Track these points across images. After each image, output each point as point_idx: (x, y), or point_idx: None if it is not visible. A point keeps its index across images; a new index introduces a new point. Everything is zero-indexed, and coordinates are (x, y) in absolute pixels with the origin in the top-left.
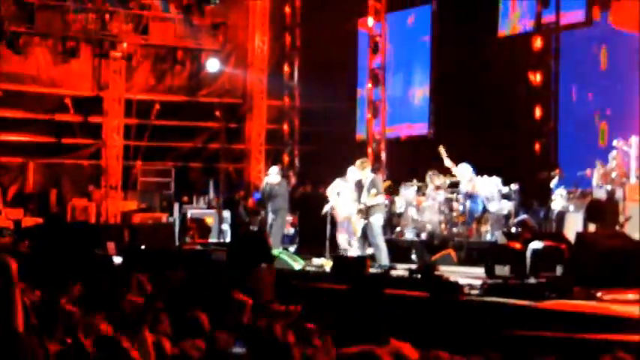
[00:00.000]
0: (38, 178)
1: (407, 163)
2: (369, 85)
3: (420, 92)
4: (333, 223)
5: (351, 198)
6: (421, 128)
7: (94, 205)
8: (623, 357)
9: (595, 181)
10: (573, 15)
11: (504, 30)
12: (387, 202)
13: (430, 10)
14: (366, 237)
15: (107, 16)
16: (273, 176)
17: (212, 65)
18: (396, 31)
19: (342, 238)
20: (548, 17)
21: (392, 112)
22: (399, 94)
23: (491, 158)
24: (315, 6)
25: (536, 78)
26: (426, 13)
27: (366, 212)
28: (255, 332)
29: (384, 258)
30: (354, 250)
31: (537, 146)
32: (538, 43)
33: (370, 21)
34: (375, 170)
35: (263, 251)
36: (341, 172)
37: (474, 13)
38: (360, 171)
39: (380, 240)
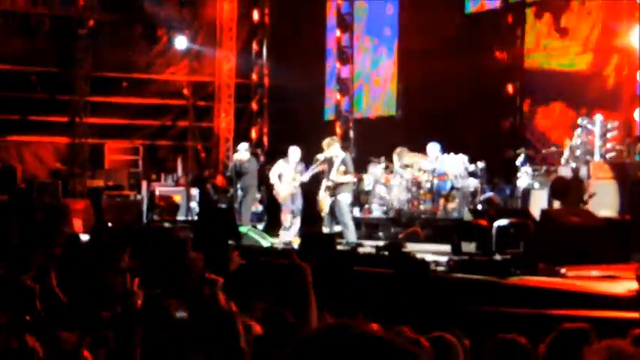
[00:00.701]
0: (4, 155)
1: (375, 141)
2: (338, 64)
3: (388, 72)
4: (305, 200)
5: (291, 177)
6: (389, 108)
7: (60, 183)
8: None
9: (563, 158)
10: None
11: (472, 7)
12: (355, 180)
13: None
14: (334, 214)
15: None
16: (242, 153)
17: (180, 42)
18: (363, 15)
19: (284, 218)
20: None
21: (360, 91)
22: (366, 74)
23: (459, 136)
24: None
25: (505, 55)
26: None
27: (333, 189)
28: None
29: (351, 235)
30: (292, 230)
31: (506, 124)
32: (507, 19)
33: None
34: (344, 148)
35: (230, 228)
36: (310, 150)
37: None
38: (327, 149)
39: (347, 218)
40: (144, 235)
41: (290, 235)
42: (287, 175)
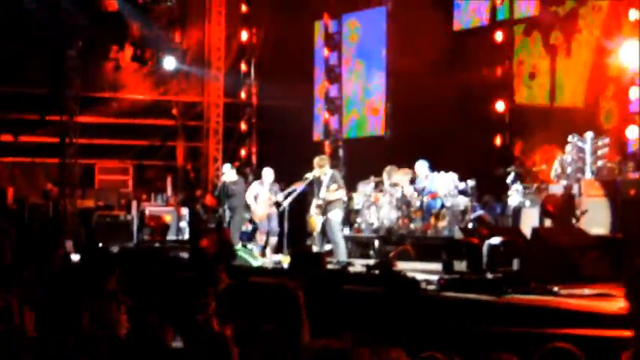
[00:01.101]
0: None
1: (364, 161)
2: (326, 83)
3: (376, 93)
4: (292, 220)
5: (266, 198)
6: (377, 127)
7: (51, 204)
8: (562, 346)
9: (552, 175)
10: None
11: (460, 24)
12: (345, 198)
13: (385, 10)
14: (324, 233)
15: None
16: (228, 174)
17: (169, 63)
18: (349, 33)
19: (260, 238)
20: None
21: (349, 112)
22: (354, 93)
23: (448, 154)
24: (273, 3)
25: (496, 72)
26: (381, 13)
27: (324, 208)
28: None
29: (342, 254)
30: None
31: (497, 141)
32: (497, 36)
33: (326, 17)
34: (333, 167)
35: (225, 248)
36: (298, 170)
37: (428, 9)
38: (318, 168)
39: (338, 236)
40: (135, 256)
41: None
42: (262, 196)
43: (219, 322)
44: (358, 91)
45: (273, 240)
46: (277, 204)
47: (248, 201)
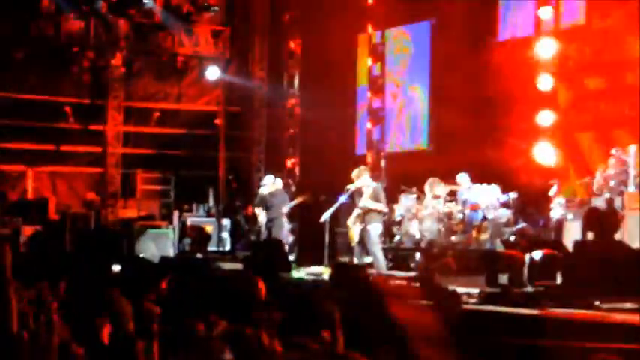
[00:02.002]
0: (37, 186)
1: (406, 174)
2: (369, 94)
3: (420, 104)
4: (332, 231)
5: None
6: (421, 142)
7: (93, 213)
8: (608, 357)
9: (595, 188)
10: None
11: (505, 36)
12: (386, 209)
13: (429, 25)
14: (364, 244)
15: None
16: (268, 186)
17: (212, 73)
18: (394, 47)
19: None
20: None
21: (391, 124)
22: (398, 107)
23: (491, 166)
24: (316, 15)
25: (543, 83)
26: (425, 29)
27: (363, 217)
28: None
29: (381, 266)
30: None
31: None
32: (541, 47)
33: (370, 29)
34: (374, 178)
35: (281, 260)
36: (340, 181)
37: (474, 21)
38: (356, 179)
39: (377, 248)
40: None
41: None
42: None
43: (268, 336)
44: (402, 103)
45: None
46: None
47: (256, 211)
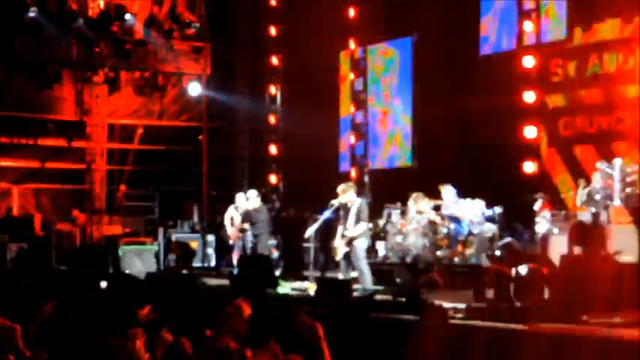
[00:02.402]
0: (23, 203)
1: (390, 188)
2: (352, 108)
3: (403, 120)
4: (317, 247)
5: (239, 222)
6: (404, 158)
7: (78, 230)
8: None
9: (578, 202)
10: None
11: (486, 51)
12: (370, 226)
13: (411, 41)
14: (349, 260)
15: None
16: (252, 200)
17: (194, 89)
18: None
19: (234, 259)
20: (529, 36)
21: (374, 139)
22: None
23: (475, 181)
24: (299, 30)
25: (528, 97)
26: (407, 44)
27: (349, 240)
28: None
29: (367, 282)
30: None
31: (524, 168)
32: (526, 61)
33: (352, 44)
34: (359, 194)
35: (268, 276)
36: (323, 196)
37: (455, 37)
38: (342, 194)
39: (363, 264)
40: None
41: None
42: (236, 220)
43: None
44: (384, 119)
45: None
46: (242, 230)
47: (224, 223)
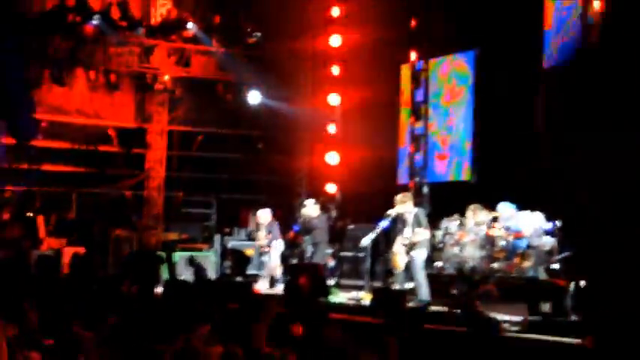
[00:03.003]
0: (81, 208)
1: (449, 201)
2: (411, 119)
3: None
4: (373, 257)
5: (263, 236)
6: (465, 172)
7: (136, 236)
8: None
9: None
10: None
11: (549, 61)
12: (429, 235)
13: (474, 55)
14: (407, 271)
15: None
16: (309, 208)
17: (253, 98)
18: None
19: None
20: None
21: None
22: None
23: (536, 193)
24: (360, 40)
25: None
26: (470, 58)
27: (410, 247)
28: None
29: (424, 293)
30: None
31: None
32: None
33: (413, 56)
34: (417, 204)
35: (320, 285)
36: (381, 208)
37: (517, 47)
38: (400, 205)
39: (421, 275)
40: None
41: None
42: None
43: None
44: (444, 132)
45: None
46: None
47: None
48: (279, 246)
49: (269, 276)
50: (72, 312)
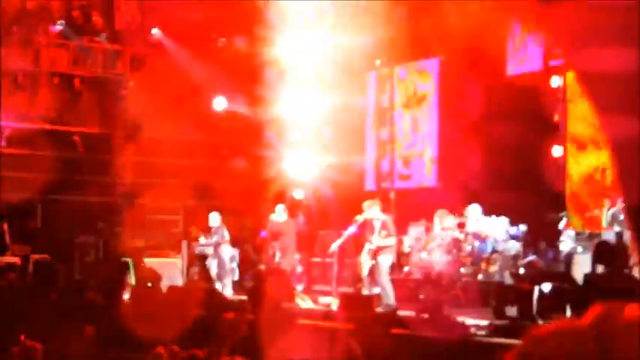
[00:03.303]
0: (46, 215)
1: (414, 206)
2: (377, 124)
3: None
4: (341, 263)
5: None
6: (429, 180)
7: (101, 242)
8: None
9: (604, 222)
10: None
11: (513, 72)
12: (394, 242)
13: (438, 62)
14: (373, 276)
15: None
16: (278, 214)
17: (219, 104)
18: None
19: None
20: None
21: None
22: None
23: (500, 199)
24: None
25: (555, 117)
26: (434, 66)
27: (375, 253)
28: None
29: (389, 297)
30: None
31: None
32: (552, 82)
33: (378, 63)
34: (384, 211)
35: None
36: (348, 214)
37: (481, 56)
38: (367, 210)
39: (386, 280)
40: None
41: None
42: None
43: None
44: (409, 139)
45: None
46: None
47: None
48: (227, 250)
49: (219, 280)
50: (21, 323)
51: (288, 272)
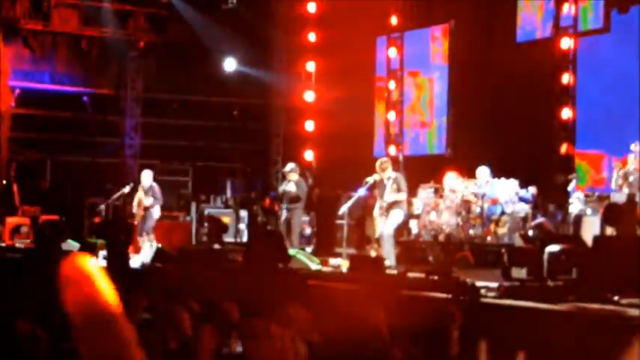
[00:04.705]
0: (55, 176)
1: (425, 169)
2: (386, 91)
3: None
4: (350, 224)
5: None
6: (439, 147)
7: (111, 203)
8: None
9: (613, 184)
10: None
11: (523, 37)
12: (405, 198)
13: (448, 28)
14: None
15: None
16: (289, 174)
17: (229, 65)
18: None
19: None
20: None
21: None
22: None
23: (510, 161)
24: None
25: (562, 80)
26: (444, 32)
27: (386, 209)
28: None
29: (391, 258)
30: (146, 251)
31: (561, 149)
32: (563, 44)
33: (393, 21)
34: (395, 170)
35: (279, 251)
36: (358, 176)
37: (491, 22)
38: (380, 172)
39: (389, 237)
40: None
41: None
42: (139, 198)
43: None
44: (418, 106)
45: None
46: (146, 208)
47: (134, 204)
48: (157, 210)
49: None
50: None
51: (284, 233)
